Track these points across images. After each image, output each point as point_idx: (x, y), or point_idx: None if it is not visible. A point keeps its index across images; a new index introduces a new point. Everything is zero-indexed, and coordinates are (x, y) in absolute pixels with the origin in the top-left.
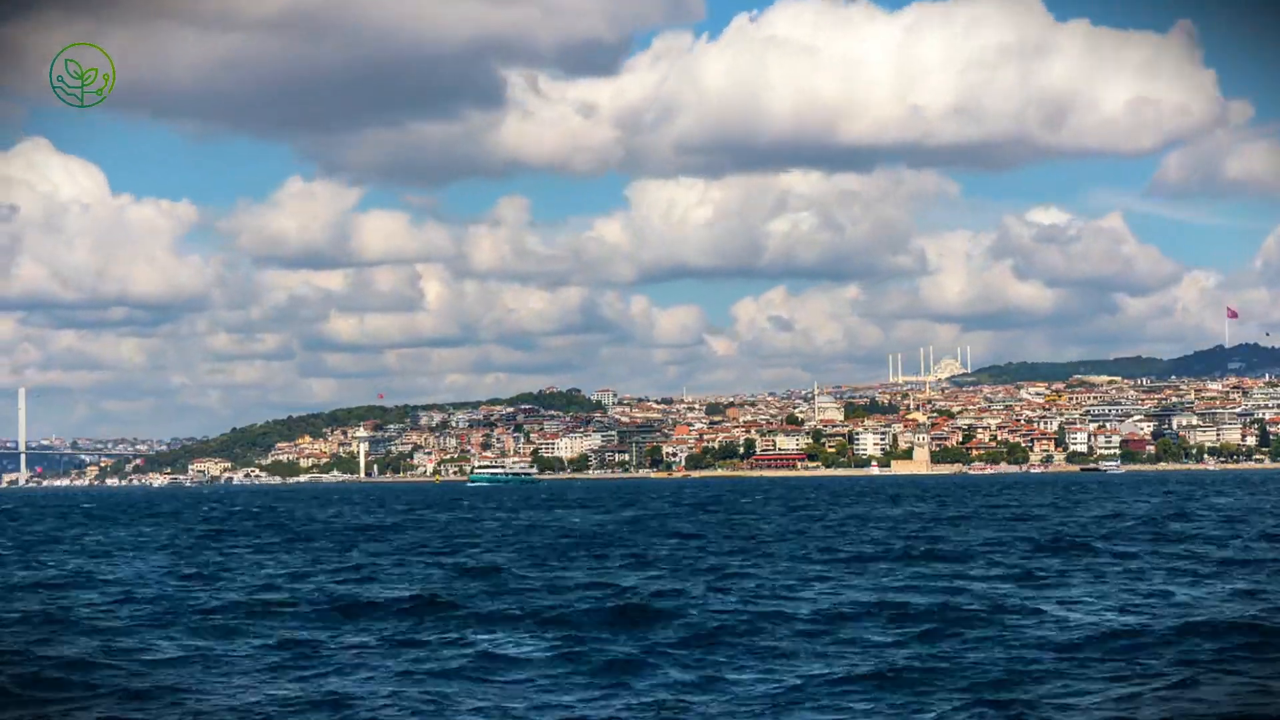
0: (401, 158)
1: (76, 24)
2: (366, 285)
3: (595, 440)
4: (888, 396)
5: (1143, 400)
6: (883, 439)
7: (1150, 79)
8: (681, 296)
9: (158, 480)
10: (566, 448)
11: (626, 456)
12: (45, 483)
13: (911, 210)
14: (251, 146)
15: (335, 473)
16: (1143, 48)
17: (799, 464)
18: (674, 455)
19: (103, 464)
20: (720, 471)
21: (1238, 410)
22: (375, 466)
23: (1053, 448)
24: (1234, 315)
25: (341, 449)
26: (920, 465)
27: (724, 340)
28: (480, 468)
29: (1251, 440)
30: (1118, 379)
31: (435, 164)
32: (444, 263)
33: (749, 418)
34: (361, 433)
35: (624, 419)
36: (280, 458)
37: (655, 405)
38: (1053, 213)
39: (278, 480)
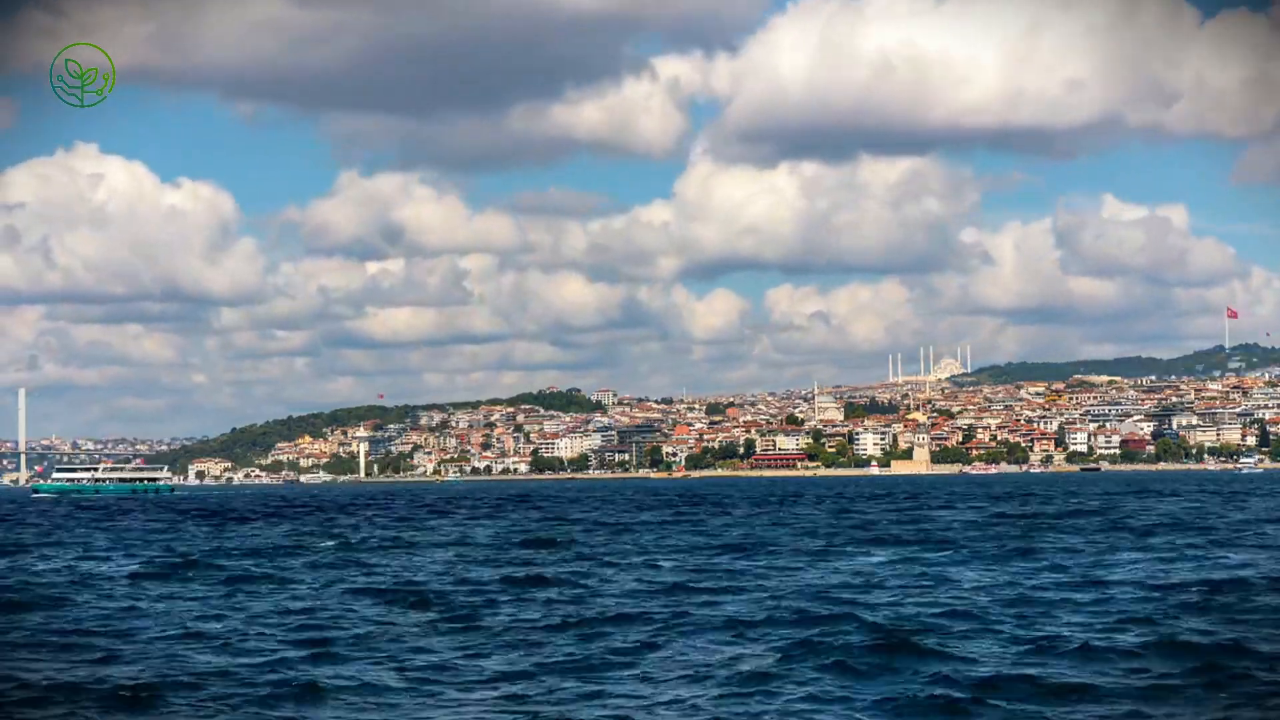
0: (480, 142)
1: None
2: (418, 277)
3: (595, 440)
4: (888, 396)
5: (1143, 400)
6: (883, 439)
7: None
8: (742, 287)
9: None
10: (566, 448)
11: (626, 457)
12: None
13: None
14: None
15: (328, 474)
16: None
17: (799, 464)
18: (674, 455)
19: (103, 464)
20: (720, 471)
21: (1238, 410)
22: (375, 466)
23: (1053, 448)
24: (1234, 315)
25: (341, 449)
26: (920, 465)
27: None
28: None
29: (1251, 440)
30: (1118, 379)
31: (500, 150)
32: (498, 254)
33: (749, 418)
34: (361, 433)
35: (624, 419)
36: (280, 457)
37: (655, 405)
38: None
39: (278, 480)
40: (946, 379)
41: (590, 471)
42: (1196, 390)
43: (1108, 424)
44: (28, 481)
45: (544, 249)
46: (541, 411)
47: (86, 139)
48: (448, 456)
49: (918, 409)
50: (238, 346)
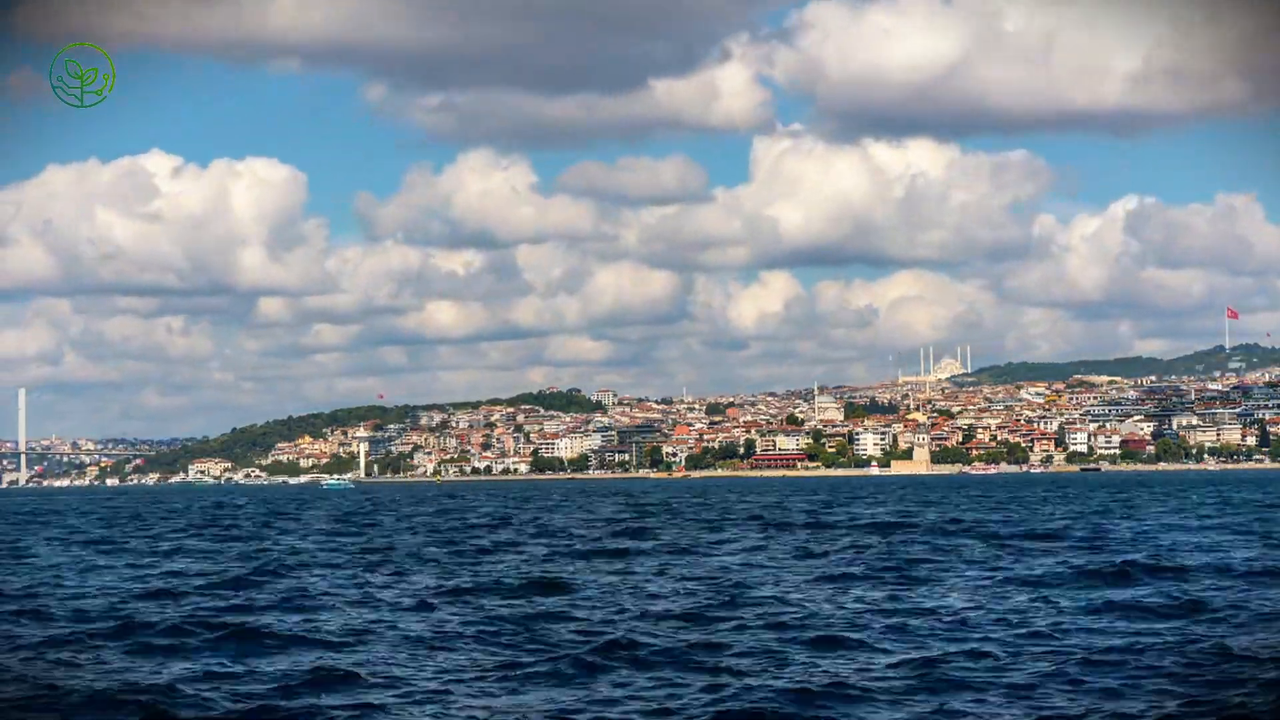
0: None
1: None
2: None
3: (595, 440)
4: (888, 396)
5: (1143, 400)
6: (883, 439)
7: None
8: (805, 277)
9: (169, 480)
10: (566, 448)
11: (626, 457)
12: (45, 483)
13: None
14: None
15: (337, 475)
16: None
17: (799, 464)
18: (674, 455)
19: (103, 464)
20: (720, 472)
21: (1238, 410)
22: (375, 467)
23: (1053, 448)
24: (1234, 315)
25: (341, 449)
26: (920, 465)
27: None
28: None
29: (1251, 440)
30: (1118, 379)
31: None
32: (576, 243)
33: (749, 418)
34: (361, 433)
35: (624, 419)
36: (280, 458)
37: (655, 405)
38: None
39: (279, 480)
40: (946, 379)
41: (590, 471)
42: (1197, 390)
43: (1108, 424)
44: (28, 482)
45: (607, 237)
46: (541, 411)
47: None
48: (448, 456)
49: (918, 409)
50: (274, 341)
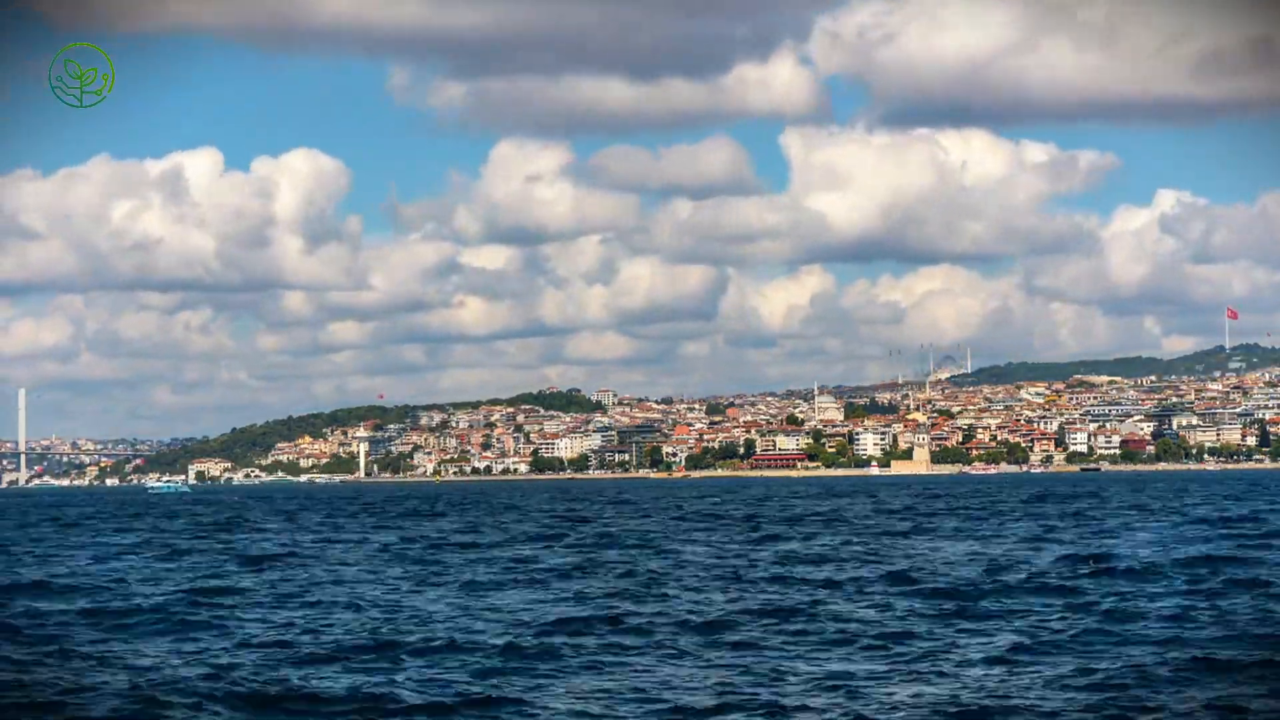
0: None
1: None
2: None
3: (595, 440)
4: (888, 396)
5: (1143, 400)
6: (883, 439)
7: None
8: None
9: (170, 479)
10: (566, 448)
11: (626, 457)
12: (45, 483)
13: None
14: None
15: (334, 475)
16: None
17: (799, 464)
18: (674, 455)
19: (103, 464)
20: (720, 472)
21: (1238, 410)
22: (375, 467)
23: (1053, 448)
24: (1234, 315)
25: (341, 449)
26: (920, 465)
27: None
28: None
29: (1252, 440)
30: (1118, 379)
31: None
32: (609, 236)
33: (749, 418)
34: (361, 433)
35: (624, 419)
36: (280, 458)
37: (655, 405)
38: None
39: (280, 479)
40: (946, 379)
41: (590, 472)
42: (1197, 390)
43: (1108, 424)
44: (27, 481)
45: (642, 229)
46: (541, 411)
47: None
48: (448, 456)
49: (918, 409)
50: (292, 338)
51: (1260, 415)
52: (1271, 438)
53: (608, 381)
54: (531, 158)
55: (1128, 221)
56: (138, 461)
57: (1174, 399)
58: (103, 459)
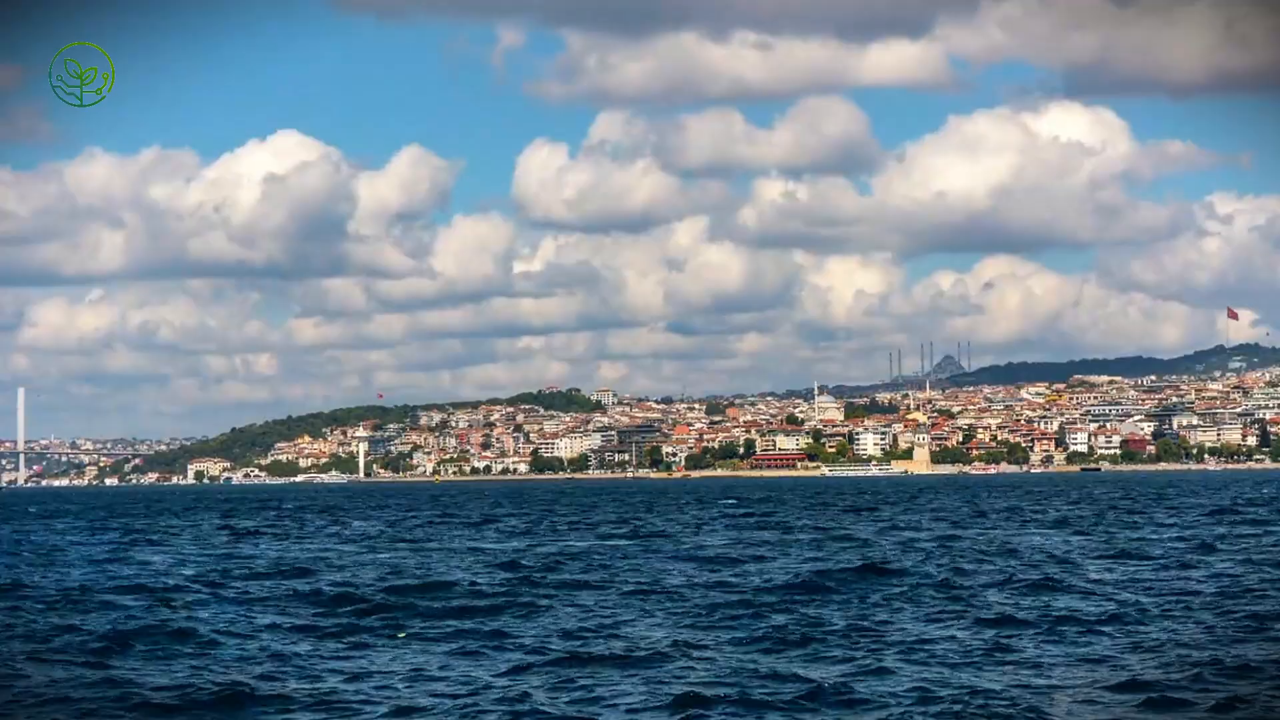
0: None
1: None
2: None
3: (595, 440)
4: (888, 396)
5: (1143, 400)
6: (883, 439)
7: None
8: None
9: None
10: (566, 448)
11: (626, 456)
12: (45, 483)
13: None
14: None
15: (334, 472)
16: None
17: (799, 464)
18: (674, 455)
19: (102, 464)
20: (720, 471)
21: (1238, 410)
22: (375, 466)
23: (1053, 448)
24: (1234, 315)
25: (341, 449)
26: (920, 465)
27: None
28: None
29: (1252, 440)
30: (1118, 379)
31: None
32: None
33: (749, 418)
34: (361, 433)
35: (624, 419)
36: (280, 458)
37: (655, 405)
38: None
39: (281, 480)
40: (947, 379)
41: (590, 471)
42: (1197, 390)
43: (1108, 424)
44: (26, 481)
45: (725, 210)
46: (541, 411)
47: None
48: (447, 456)
49: (918, 409)
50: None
51: (1260, 415)
52: (1272, 438)
53: (661, 374)
54: (608, 138)
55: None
56: (137, 461)
57: (1174, 399)
58: (102, 459)
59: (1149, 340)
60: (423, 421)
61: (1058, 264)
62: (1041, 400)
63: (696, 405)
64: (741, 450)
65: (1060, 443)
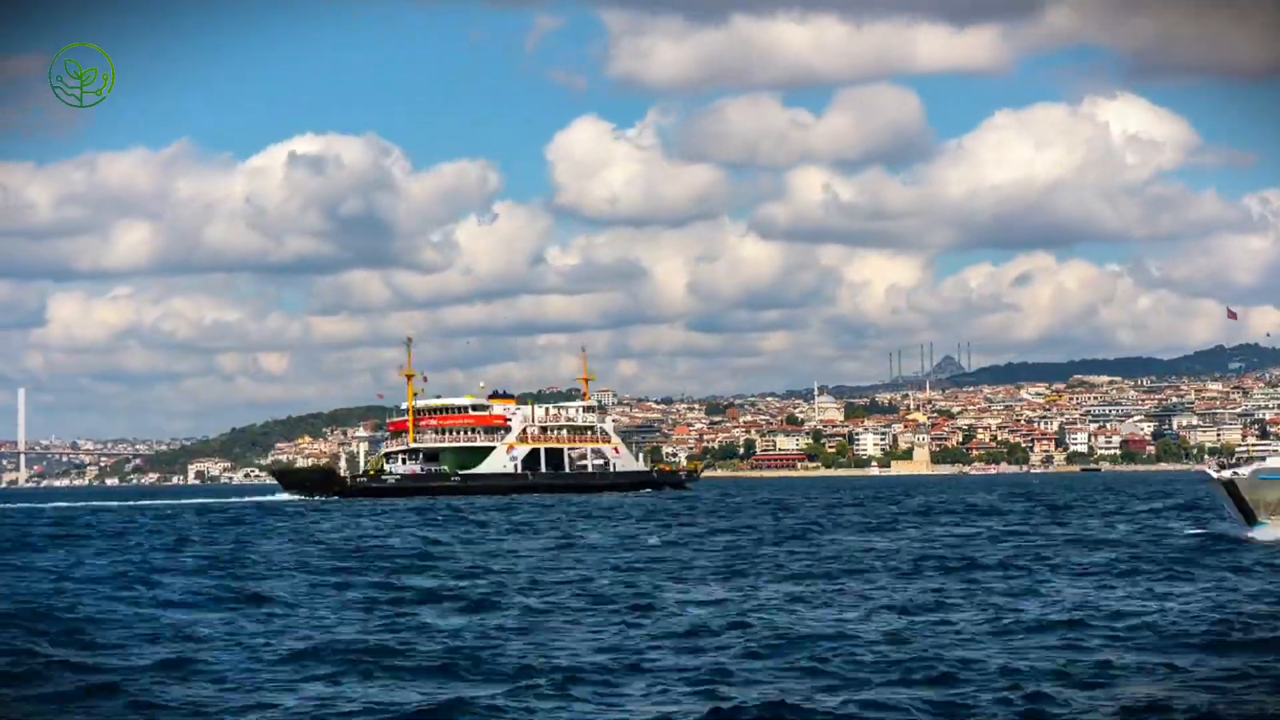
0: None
1: None
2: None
3: None
4: (887, 396)
5: (1143, 400)
6: (883, 439)
7: None
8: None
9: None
10: None
11: None
12: (45, 483)
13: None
14: None
15: None
16: None
17: (799, 464)
18: (674, 455)
19: (103, 464)
20: (720, 472)
21: (1238, 410)
22: None
23: (1053, 448)
24: (1234, 315)
25: (341, 449)
26: (920, 465)
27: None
28: None
29: (1252, 440)
30: (1118, 379)
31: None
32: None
33: (749, 418)
34: (361, 433)
35: (624, 419)
36: (280, 458)
37: (655, 405)
38: None
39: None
40: (947, 379)
41: None
42: (1197, 390)
43: (1108, 424)
44: (27, 481)
45: (754, 202)
46: None
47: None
48: None
49: (918, 409)
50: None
51: (1260, 415)
52: (1272, 438)
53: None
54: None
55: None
56: (137, 462)
57: (1174, 399)
58: (103, 459)
59: (1175, 338)
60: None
61: (1101, 259)
62: (1041, 400)
63: (696, 405)
64: (742, 450)
65: (1060, 443)
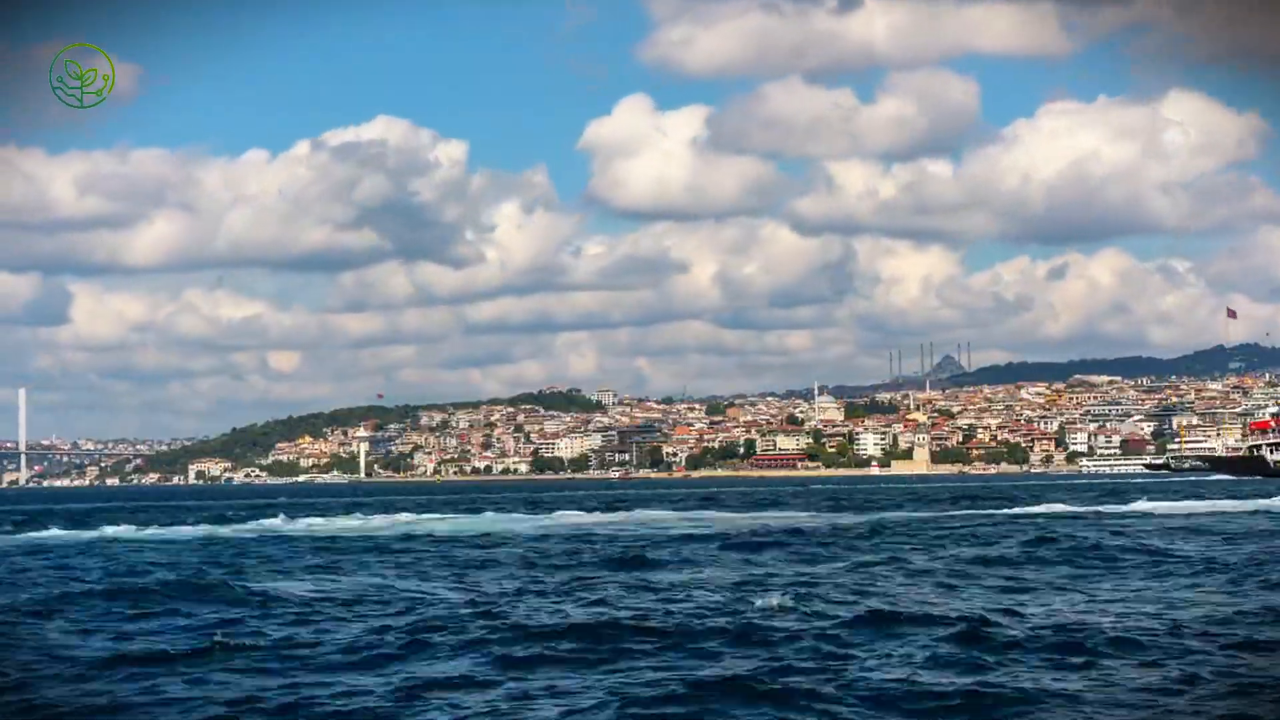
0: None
1: None
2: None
3: (595, 440)
4: (888, 396)
5: (1143, 400)
6: (883, 439)
7: None
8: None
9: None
10: (567, 448)
11: (626, 457)
12: (46, 483)
13: None
14: None
15: (335, 473)
16: None
17: (799, 464)
18: (674, 455)
19: (103, 464)
20: (720, 472)
21: (1238, 410)
22: (375, 466)
23: (1053, 448)
24: (1234, 315)
25: (342, 449)
26: (920, 465)
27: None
28: None
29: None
30: (1118, 379)
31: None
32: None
33: (749, 418)
34: (362, 433)
35: (624, 419)
36: (280, 458)
37: (655, 405)
38: None
39: (282, 480)
40: (947, 378)
41: (590, 471)
42: (1196, 390)
43: (1108, 424)
44: (28, 481)
45: (784, 194)
46: (542, 411)
47: None
48: (448, 456)
49: (918, 409)
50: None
51: (1260, 415)
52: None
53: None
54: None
55: None
56: (138, 462)
57: (1174, 399)
58: (103, 459)
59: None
60: (423, 422)
61: (1144, 255)
62: (1041, 400)
63: (697, 405)
64: (742, 450)
65: (1060, 443)
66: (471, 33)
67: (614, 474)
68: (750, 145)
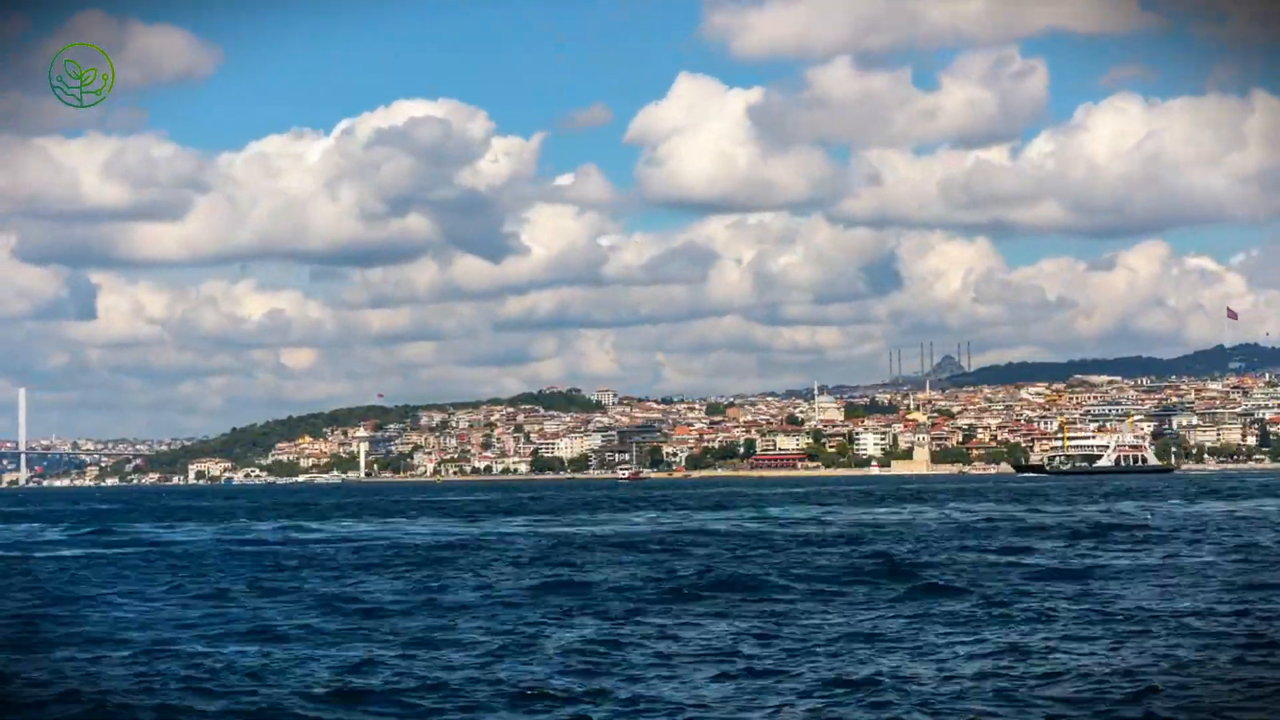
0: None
1: None
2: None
3: (595, 440)
4: (887, 396)
5: (1143, 400)
6: (883, 439)
7: None
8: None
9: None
10: (567, 448)
11: (626, 457)
12: (46, 483)
13: None
14: None
15: (335, 473)
16: None
17: (799, 464)
18: (674, 455)
19: (103, 464)
20: (720, 472)
21: (1238, 410)
22: (375, 466)
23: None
24: (1234, 315)
25: (342, 449)
26: (920, 465)
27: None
28: None
29: (1252, 440)
30: (1118, 379)
31: None
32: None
33: (749, 418)
34: (361, 433)
35: (624, 419)
36: (280, 458)
37: (655, 405)
38: None
39: (282, 480)
40: (946, 378)
41: (590, 472)
42: (1197, 390)
43: (1108, 424)
44: (28, 482)
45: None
46: (542, 411)
47: None
48: (448, 456)
49: (918, 409)
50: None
51: (1260, 415)
52: (1271, 438)
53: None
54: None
55: None
56: (138, 462)
57: (1174, 399)
58: (103, 459)
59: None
60: (423, 422)
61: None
62: (1041, 400)
63: (696, 405)
64: (742, 450)
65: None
66: (508, 20)
67: (621, 474)
68: (801, 135)
